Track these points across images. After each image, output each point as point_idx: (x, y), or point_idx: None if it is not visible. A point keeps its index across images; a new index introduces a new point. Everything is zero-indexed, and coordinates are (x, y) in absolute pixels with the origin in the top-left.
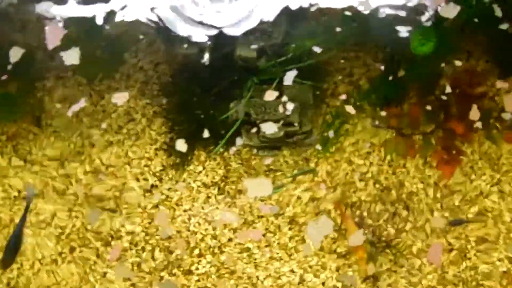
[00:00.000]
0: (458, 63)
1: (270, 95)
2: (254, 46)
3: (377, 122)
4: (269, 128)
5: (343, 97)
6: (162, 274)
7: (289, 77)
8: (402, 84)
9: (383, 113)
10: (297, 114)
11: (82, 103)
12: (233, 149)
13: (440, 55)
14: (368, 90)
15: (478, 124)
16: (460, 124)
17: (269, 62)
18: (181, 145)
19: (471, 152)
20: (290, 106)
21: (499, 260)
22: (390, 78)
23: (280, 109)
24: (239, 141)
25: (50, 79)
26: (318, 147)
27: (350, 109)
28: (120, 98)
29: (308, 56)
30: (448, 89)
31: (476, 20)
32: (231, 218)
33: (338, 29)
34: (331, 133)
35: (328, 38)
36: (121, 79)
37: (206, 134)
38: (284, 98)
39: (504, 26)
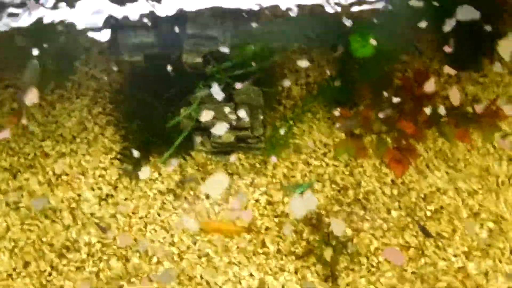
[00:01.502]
0: (407, 61)
1: (207, 115)
2: (200, 53)
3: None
4: (220, 130)
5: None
6: (122, 283)
7: (239, 82)
8: (353, 86)
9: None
10: (248, 118)
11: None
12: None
13: (386, 56)
14: (320, 93)
15: (430, 123)
16: (410, 124)
17: (214, 68)
18: (137, 153)
19: (425, 150)
20: (241, 111)
21: (455, 255)
22: (341, 80)
23: (231, 114)
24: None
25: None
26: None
27: (302, 111)
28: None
29: (254, 61)
30: (399, 89)
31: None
32: (189, 224)
33: (285, 32)
34: (281, 135)
35: (273, 42)
36: (73, 88)
37: (157, 142)
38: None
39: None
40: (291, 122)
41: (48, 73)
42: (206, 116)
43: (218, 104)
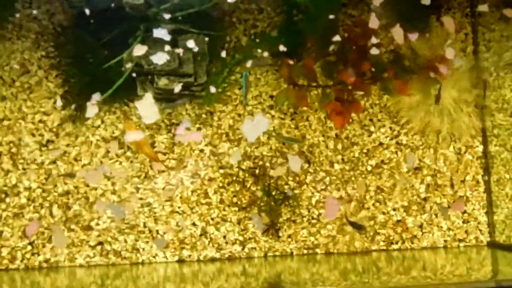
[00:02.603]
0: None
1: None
2: None
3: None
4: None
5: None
6: (62, 228)
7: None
8: (299, 35)
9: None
10: (191, 65)
11: None
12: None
13: (333, 6)
14: (266, 42)
15: (374, 78)
16: (350, 75)
17: (155, 9)
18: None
19: (370, 106)
20: (184, 56)
21: (394, 209)
22: (286, 29)
23: (174, 60)
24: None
25: None
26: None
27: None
28: None
29: (192, 4)
30: (344, 41)
31: None
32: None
33: None
34: (225, 85)
35: None
36: (14, 29)
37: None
38: (179, 49)
39: None
40: (229, 69)
41: None
42: (146, 61)
43: (159, 49)
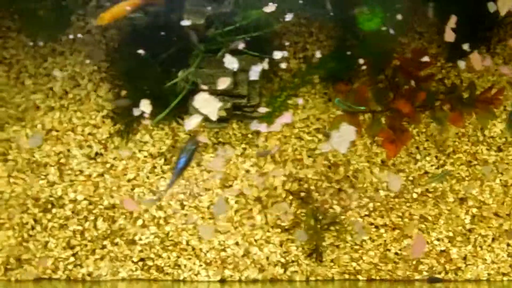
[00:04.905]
0: (406, 43)
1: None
2: (202, 14)
3: None
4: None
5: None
6: (105, 243)
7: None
8: (352, 61)
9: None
10: (245, 86)
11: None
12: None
13: (388, 34)
14: (318, 66)
15: (424, 106)
16: (407, 104)
17: (217, 31)
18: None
19: (417, 133)
20: (239, 78)
21: (438, 239)
22: (341, 54)
23: (229, 81)
24: None
25: None
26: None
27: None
28: None
29: (258, 27)
30: (397, 69)
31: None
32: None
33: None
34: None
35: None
36: (67, 42)
37: (148, 103)
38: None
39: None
40: (288, 93)
41: (42, 25)
42: (202, 80)
43: (216, 69)
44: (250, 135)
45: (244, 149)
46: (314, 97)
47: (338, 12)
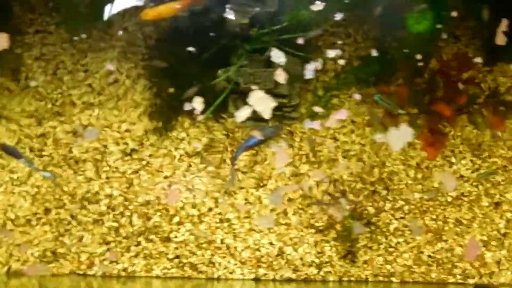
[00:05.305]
0: (443, 46)
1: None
2: (247, 13)
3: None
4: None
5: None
6: (139, 239)
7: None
8: (391, 64)
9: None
10: (287, 86)
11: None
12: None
13: (431, 36)
14: (358, 67)
15: (461, 110)
16: (448, 107)
17: (261, 30)
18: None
19: (452, 136)
20: (281, 77)
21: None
22: (380, 57)
23: (271, 80)
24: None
25: (31, 34)
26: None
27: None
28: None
29: (304, 27)
30: (436, 72)
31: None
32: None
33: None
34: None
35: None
36: (105, 38)
37: (201, 101)
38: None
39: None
40: (331, 93)
41: (81, 21)
42: (244, 79)
43: (258, 68)
44: (284, 135)
45: (280, 148)
46: (351, 99)
47: (386, 14)
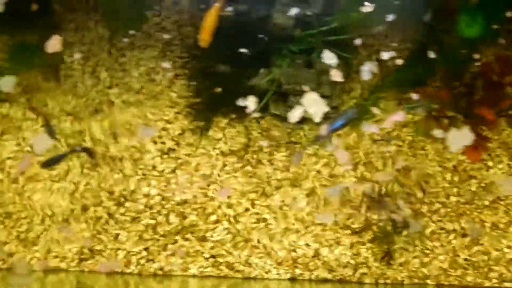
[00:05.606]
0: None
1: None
2: (291, 13)
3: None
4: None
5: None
6: (176, 238)
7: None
8: (431, 66)
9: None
10: (329, 87)
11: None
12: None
13: (476, 40)
14: (404, 68)
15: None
16: (491, 111)
17: (304, 31)
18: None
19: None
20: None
21: (509, 247)
22: (421, 59)
23: (313, 81)
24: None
25: (70, 32)
26: None
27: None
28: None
29: (354, 29)
30: (477, 75)
31: None
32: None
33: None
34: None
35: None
36: (142, 37)
37: (255, 100)
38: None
39: None
40: (378, 95)
41: (119, 20)
42: (286, 80)
43: (299, 69)
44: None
45: (317, 149)
46: (386, 101)
47: (438, 17)
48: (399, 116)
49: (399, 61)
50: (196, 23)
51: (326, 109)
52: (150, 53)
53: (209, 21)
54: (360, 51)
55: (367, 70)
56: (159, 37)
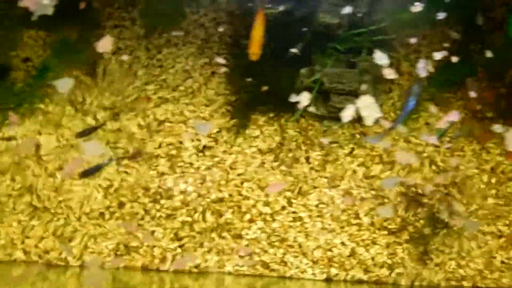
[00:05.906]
0: None
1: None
2: (341, 13)
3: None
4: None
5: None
6: (212, 235)
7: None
8: (472, 67)
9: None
10: (371, 87)
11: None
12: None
13: None
14: (440, 71)
15: None
16: None
17: (349, 31)
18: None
19: None
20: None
21: None
22: (461, 60)
23: (355, 80)
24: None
25: (108, 28)
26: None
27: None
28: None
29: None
30: None
31: None
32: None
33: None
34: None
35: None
36: (180, 34)
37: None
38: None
39: None
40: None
41: (157, 17)
42: (329, 79)
43: (341, 69)
44: (358, 135)
45: (352, 149)
46: (423, 102)
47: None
48: (454, 116)
49: (446, 60)
50: (233, 21)
51: (379, 114)
52: (187, 50)
53: (257, 34)
54: (408, 50)
55: (423, 67)
56: (197, 34)
